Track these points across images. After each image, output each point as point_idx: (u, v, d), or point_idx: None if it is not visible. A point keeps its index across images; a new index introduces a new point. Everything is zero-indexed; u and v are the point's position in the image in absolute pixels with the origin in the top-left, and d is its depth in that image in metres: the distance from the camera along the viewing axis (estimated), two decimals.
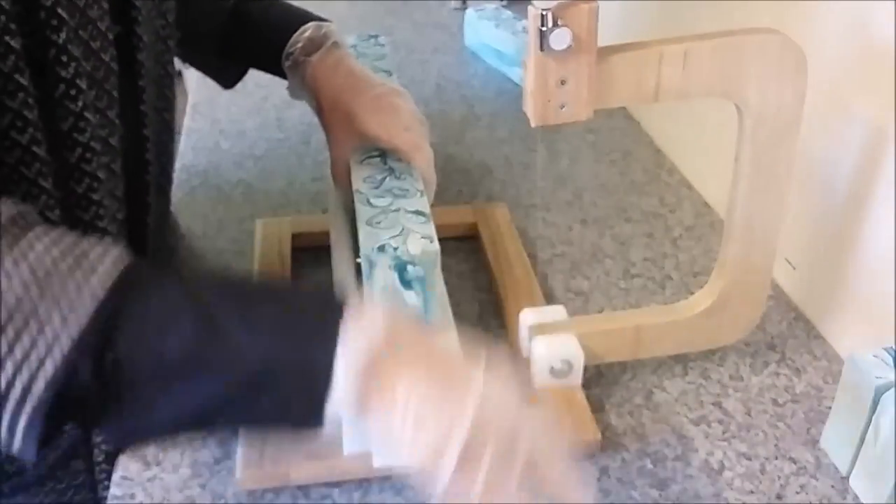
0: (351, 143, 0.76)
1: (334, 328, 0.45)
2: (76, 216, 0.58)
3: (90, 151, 0.57)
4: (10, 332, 0.42)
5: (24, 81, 0.51)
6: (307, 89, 0.79)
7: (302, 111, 1.14)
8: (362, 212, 0.66)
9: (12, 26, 0.49)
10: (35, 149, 0.53)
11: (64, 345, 0.42)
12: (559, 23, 0.55)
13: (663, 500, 0.63)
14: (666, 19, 1.04)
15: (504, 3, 1.49)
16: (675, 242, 0.91)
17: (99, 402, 0.45)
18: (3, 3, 0.49)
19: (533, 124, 0.59)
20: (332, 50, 0.79)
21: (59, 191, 0.55)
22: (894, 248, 0.67)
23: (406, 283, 0.63)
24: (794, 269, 0.82)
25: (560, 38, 0.56)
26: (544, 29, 0.55)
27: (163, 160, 0.76)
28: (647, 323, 0.71)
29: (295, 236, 0.88)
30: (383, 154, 0.74)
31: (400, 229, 0.64)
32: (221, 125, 1.15)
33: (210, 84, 1.26)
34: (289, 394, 0.46)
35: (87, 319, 0.42)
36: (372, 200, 0.68)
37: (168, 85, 0.73)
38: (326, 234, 0.80)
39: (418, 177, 0.71)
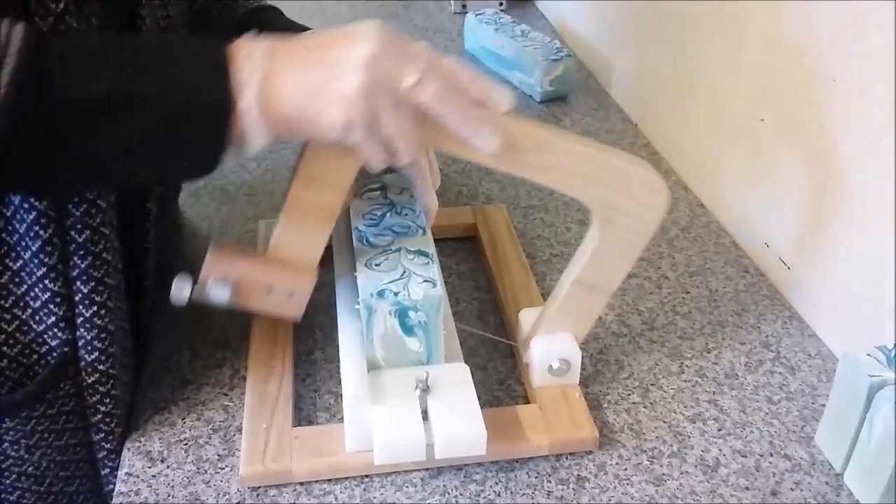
0: None
1: (223, 60, 0.52)
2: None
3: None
4: None
5: None
6: None
7: None
8: (361, 252, 0.65)
9: None
10: None
11: (3, 82, 0.47)
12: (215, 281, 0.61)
13: (659, 496, 0.63)
14: (665, 19, 1.05)
15: (503, 7, 1.50)
16: (671, 242, 0.92)
17: (37, 145, 0.50)
18: None
19: None
20: None
21: None
22: (893, 246, 0.68)
23: (407, 329, 0.62)
24: (789, 268, 0.83)
25: (219, 292, 0.61)
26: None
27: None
28: None
29: None
30: (383, 186, 0.73)
31: (401, 272, 0.62)
32: None
33: None
34: (200, 121, 0.52)
35: (16, 58, 0.47)
36: (371, 239, 0.66)
37: None
38: None
39: (420, 212, 0.70)
